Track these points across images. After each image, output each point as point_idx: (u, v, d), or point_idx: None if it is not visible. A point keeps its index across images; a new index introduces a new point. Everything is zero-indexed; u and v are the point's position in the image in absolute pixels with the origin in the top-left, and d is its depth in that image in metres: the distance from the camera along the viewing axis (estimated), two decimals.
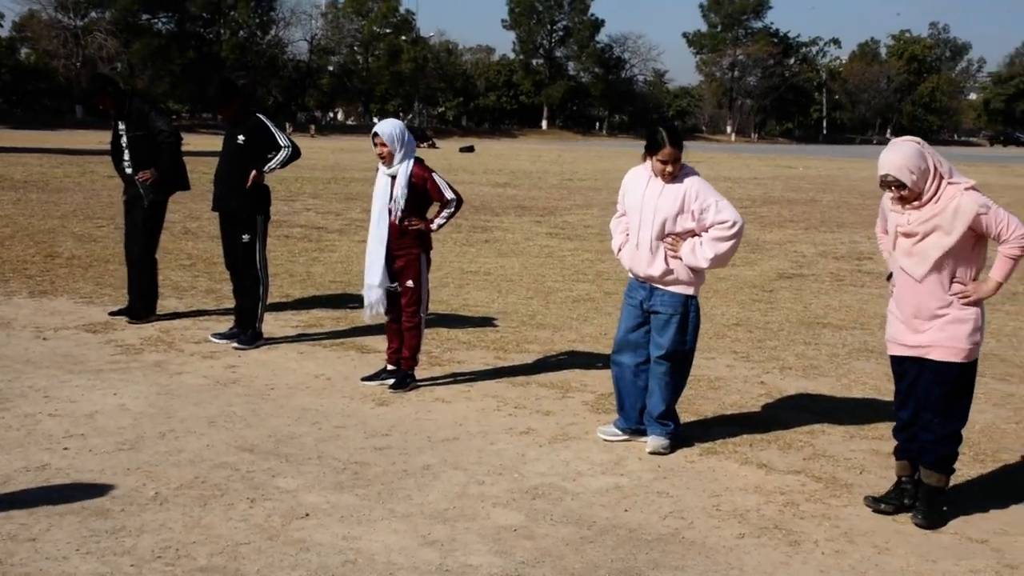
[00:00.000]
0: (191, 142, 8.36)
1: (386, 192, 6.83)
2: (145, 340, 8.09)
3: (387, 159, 6.81)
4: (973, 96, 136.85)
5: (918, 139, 4.87)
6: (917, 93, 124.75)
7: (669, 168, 5.73)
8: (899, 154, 4.78)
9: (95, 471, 5.24)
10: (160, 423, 6.05)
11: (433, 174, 6.92)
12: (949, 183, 4.76)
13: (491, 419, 6.38)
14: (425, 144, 51.61)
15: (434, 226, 6.95)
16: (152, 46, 78.93)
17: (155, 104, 9.06)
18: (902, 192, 4.79)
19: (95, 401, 6.43)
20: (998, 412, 6.78)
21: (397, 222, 6.80)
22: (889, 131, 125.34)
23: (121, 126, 8.71)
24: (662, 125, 5.83)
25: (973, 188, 4.75)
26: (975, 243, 4.83)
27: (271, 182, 8.35)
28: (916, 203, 4.81)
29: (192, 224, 15.53)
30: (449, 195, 6.94)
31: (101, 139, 46.65)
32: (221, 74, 69.28)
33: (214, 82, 8.40)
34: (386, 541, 4.53)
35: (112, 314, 8.88)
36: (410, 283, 6.92)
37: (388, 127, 6.86)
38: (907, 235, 4.85)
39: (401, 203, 6.77)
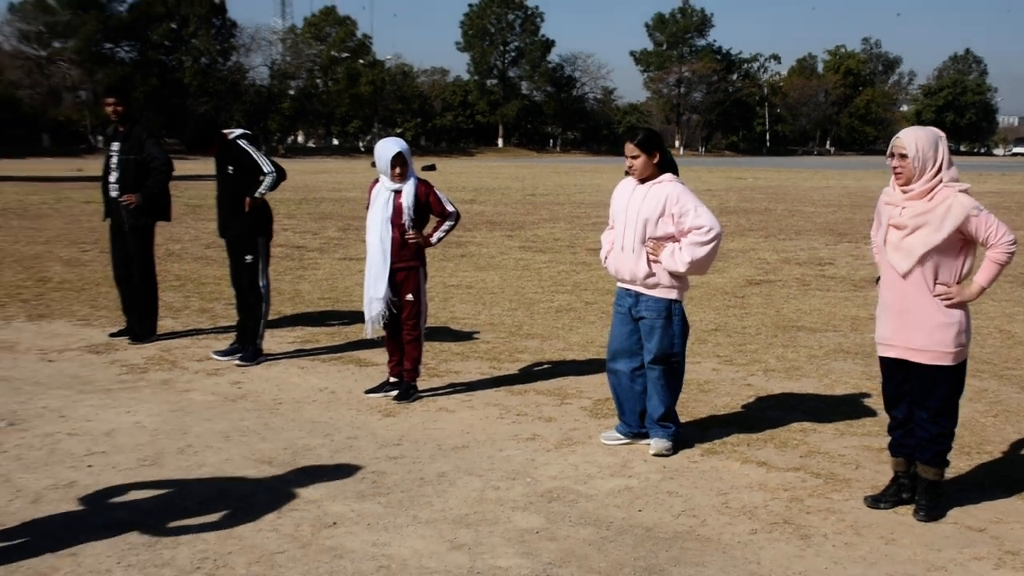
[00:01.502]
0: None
1: (388, 206, 6.81)
2: (148, 359, 8.02)
3: (402, 176, 6.81)
4: (905, 108, 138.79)
5: (941, 134, 4.93)
6: (853, 106, 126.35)
7: (629, 163, 5.88)
8: (918, 131, 4.90)
9: (122, 487, 5.19)
10: (177, 439, 6.00)
11: (434, 188, 6.94)
12: (946, 185, 4.82)
13: (496, 427, 6.39)
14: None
15: (434, 239, 6.97)
16: (115, 74, 77.74)
17: (152, 132, 8.95)
18: (901, 162, 4.84)
19: (110, 419, 6.37)
20: (975, 407, 6.89)
21: (404, 235, 6.79)
22: (828, 142, 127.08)
23: (114, 147, 8.62)
24: (642, 127, 6.04)
25: (966, 191, 4.82)
26: (962, 247, 4.85)
27: (271, 203, 8.29)
28: (909, 190, 4.86)
29: (175, 246, 15.41)
30: (451, 208, 7.00)
31: (70, 166, 46.30)
32: (194, 117, 68.56)
33: (189, 127, 8.26)
34: (415, 546, 4.53)
35: (113, 335, 8.79)
36: (410, 296, 6.92)
37: (404, 145, 6.86)
38: (897, 227, 4.88)
39: (412, 213, 6.78)
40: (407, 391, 6.97)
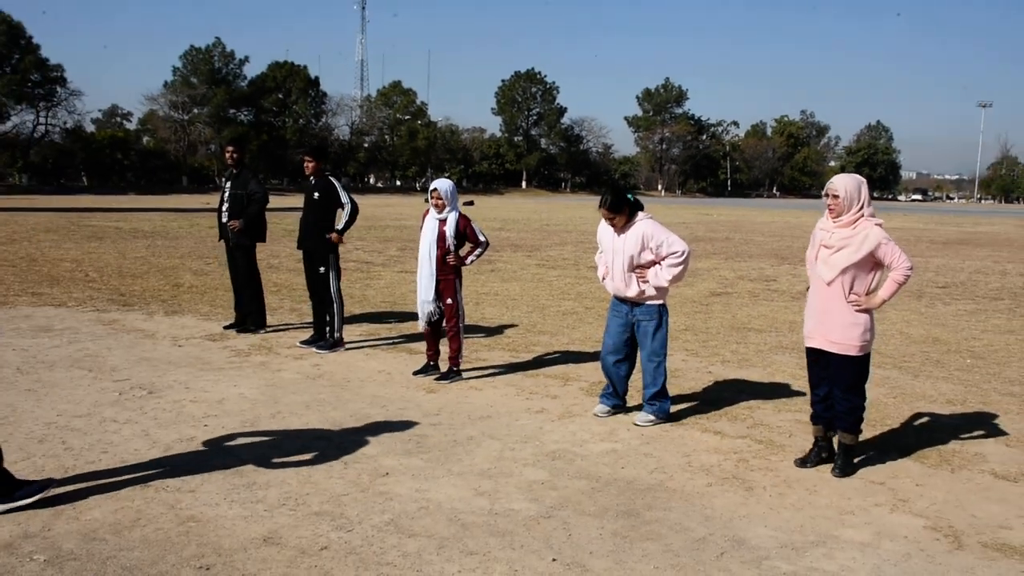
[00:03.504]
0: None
1: (434, 231, 6.78)
2: (251, 346, 8.03)
3: (440, 208, 6.79)
4: (833, 163, 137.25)
5: (863, 179, 4.89)
6: (794, 160, 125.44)
7: (610, 223, 5.76)
8: (846, 177, 4.86)
9: (229, 442, 5.19)
10: (270, 407, 5.99)
11: (471, 222, 6.90)
12: (867, 219, 4.79)
13: (513, 402, 6.34)
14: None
15: (468, 260, 6.91)
16: (236, 132, 78.65)
17: (256, 174, 8.99)
18: (834, 201, 4.80)
19: (222, 391, 6.37)
20: (879, 391, 6.78)
21: (445, 256, 6.77)
22: (775, 188, 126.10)
23: (228, 184, 8.68)
24: (609, 191, 5.71)
25: (880, 225, 4.79)
26: (872, 266, 4.84)
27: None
28: (838, 220, 4.82)
29: (274, 261, 15.46)
30: (481, 238, 6.91)
31: (201, 201, 46.58)
32: (320, 141, 69.87)
33: (315, 141, 8.28)
34: (448, 493, 4.49)
35: (225, 327, 8.82)
36: (449, 300, 6.89)
37: (445, 184, 6.80)
38: (827, 247, 4.87)
39: (453, 241, 6.75)
40: (449, 373, 6.92)
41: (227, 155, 8.71)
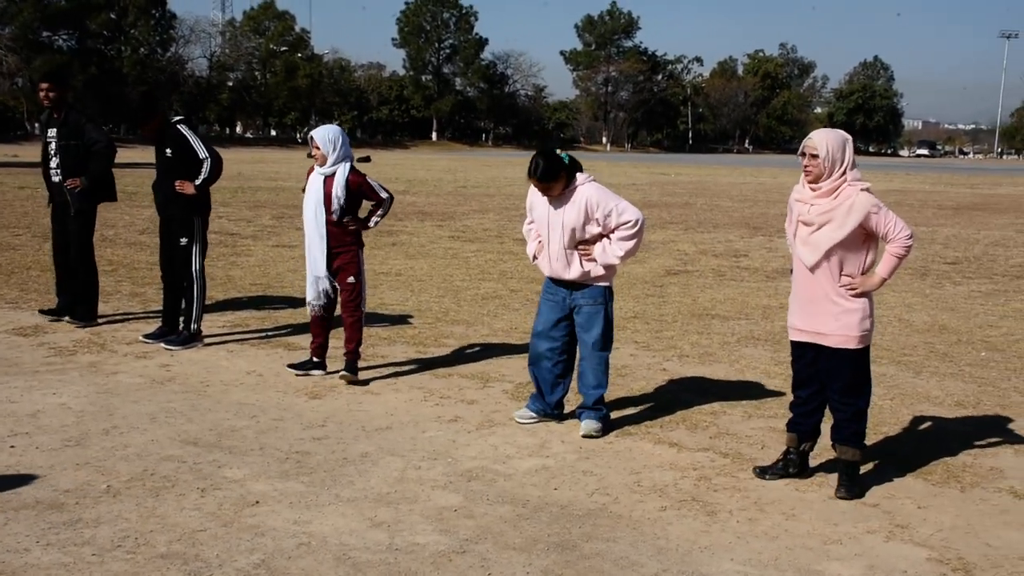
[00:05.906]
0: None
1: (319, 191, 6.76)
2: (77, 342, 7.83)
3: (323, 161, 6.75)
4: (819, 110, 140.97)
5: (849, 136, 5.01)
6: (771, 107, 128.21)
7: (545, 195, 5.83)
8: (828, 133, 4.97)
9: (44, 467, 5.05)
10: (103, 420, 5.86)
11: (366, 177, 6.90)
12: (850, 184, 4.91)
13: (420, 409, 6.35)
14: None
15: (371, 223, 6.96)
16: (53, 62, 75.88)
17: (92, 118, 8.73)
18: (812, 161, 4.91)
19: (35, 401, 6.20)
20: (874, 391, 6.91)
21: (336, 219, 6.73)
22: (747, 141, 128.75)
23: (51, 133, 8.40)
24: (540, 155, 5.74)
25: (867, 190, 4.92)
26: (864, 240, 4.96)
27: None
28: (817, 188, 4.94)
29: (108, 232, 15.06)
30: (384, 195, 6.96)
31: (5, 153, 45.02)
32: (144, 90, 67.76)
33: (137, 99, 8.11)
34: (336, 524, 4.47)
35: (42, 312, 8.59)
36: (351, 279, 6.86)
37: (322, 132, 6.81)
38: (805, 224, 4.99)
39: (342, 200, 6.71)
40: (354, 368, 6.90)
41: (41, 94, 8.40)
